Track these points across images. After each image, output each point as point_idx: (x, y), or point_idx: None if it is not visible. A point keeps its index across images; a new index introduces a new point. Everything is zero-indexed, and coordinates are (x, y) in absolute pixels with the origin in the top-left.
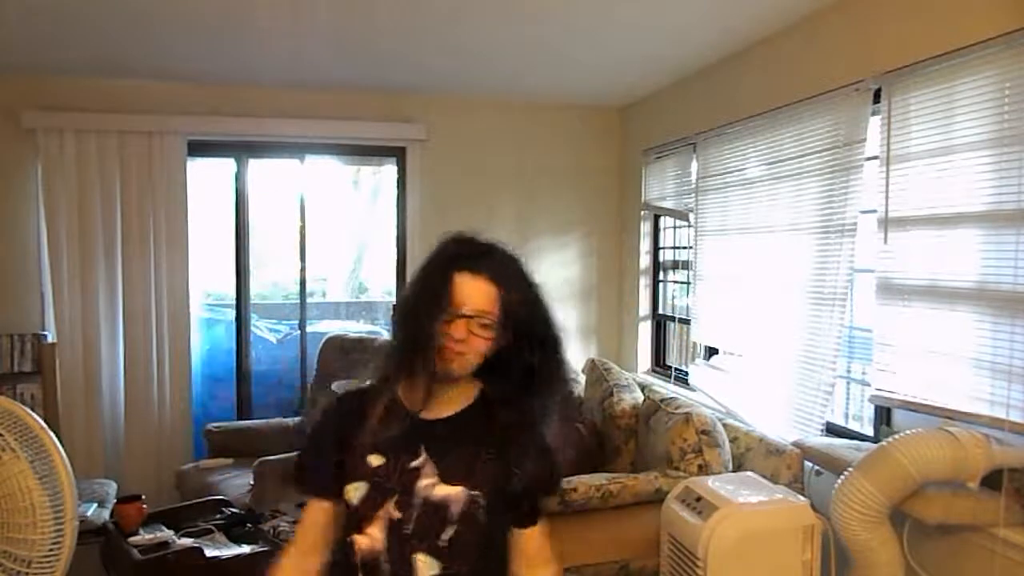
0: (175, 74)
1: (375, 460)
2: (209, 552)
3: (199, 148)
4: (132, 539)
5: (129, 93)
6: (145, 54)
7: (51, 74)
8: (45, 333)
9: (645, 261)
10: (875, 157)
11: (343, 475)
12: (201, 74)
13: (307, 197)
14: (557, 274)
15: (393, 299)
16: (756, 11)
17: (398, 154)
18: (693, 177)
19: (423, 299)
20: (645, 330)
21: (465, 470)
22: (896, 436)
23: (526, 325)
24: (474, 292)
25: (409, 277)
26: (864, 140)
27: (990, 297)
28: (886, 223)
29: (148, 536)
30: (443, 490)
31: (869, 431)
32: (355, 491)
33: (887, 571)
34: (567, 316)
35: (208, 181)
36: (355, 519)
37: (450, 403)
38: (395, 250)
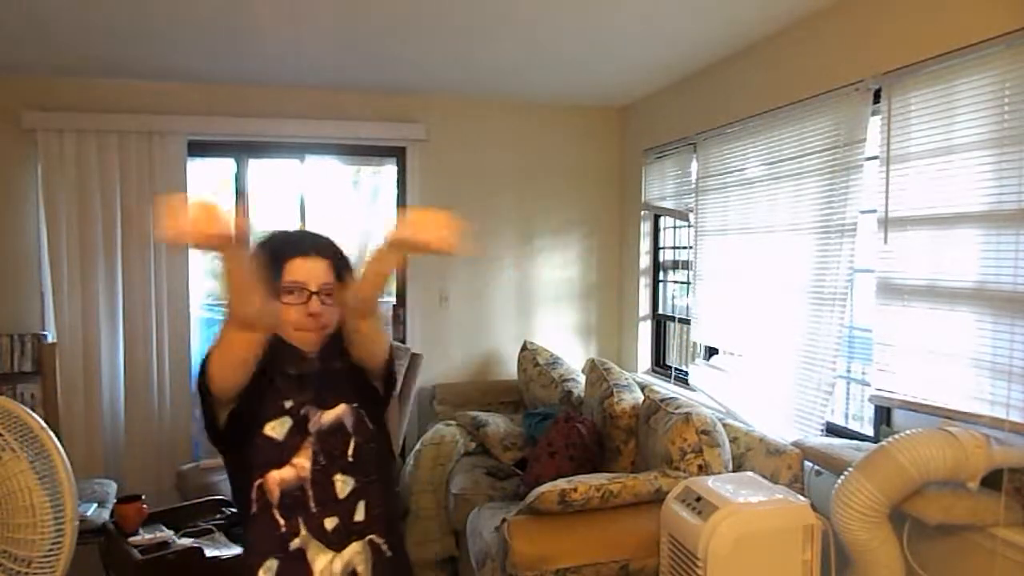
0: (175, 74)
1: (287, 402)
2: (209, 552)
3: (199, 148)
4: (132, 539)
5: (129, 93)
6: (145, 54)
7: (51, 74)
8: (45, 333)
9: (645, 261)
10: (875, 157)
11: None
12: (201, 74)
13: (307, 197)
14: (557, 274)
15: (393, 299)
16: (756, 11)
17: (398, 154)
18: (693, 177)
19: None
20: (645, 330)
21: (337, 395)
22: (896, 436)
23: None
24: (314, 269)
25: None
26: (864, 140)
27: (990, 297)
28: (886, 223)
29: (148, 536)
30: (331, 413)
31: (869, 431)
32: (279, 427)
33: (887, 571)
34: (567, 316)
35: (208, 181)
36: (276, 454)
37: (303, 358)
38: None
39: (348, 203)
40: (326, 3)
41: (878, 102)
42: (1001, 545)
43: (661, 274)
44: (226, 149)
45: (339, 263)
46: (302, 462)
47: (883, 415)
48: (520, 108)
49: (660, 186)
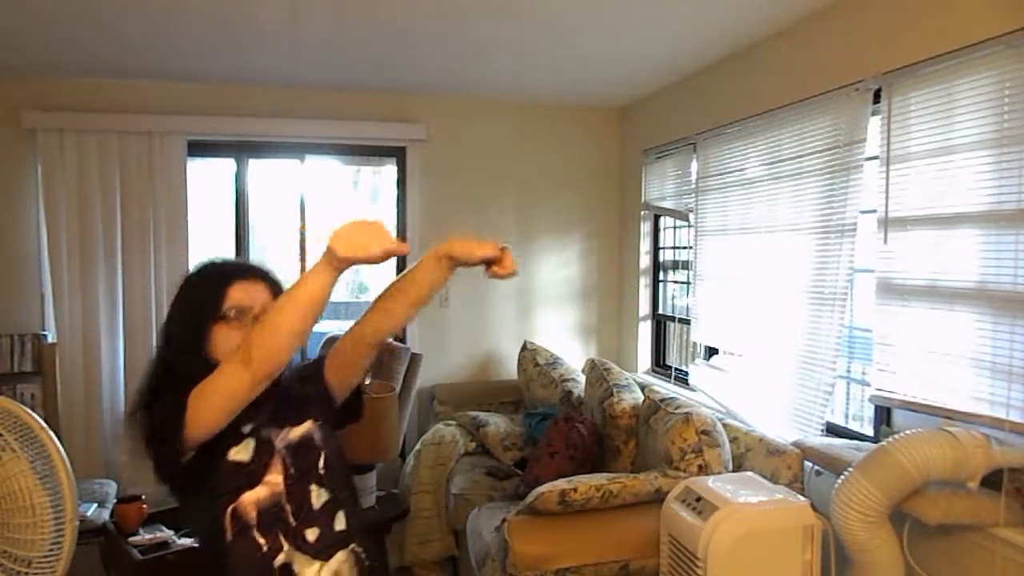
0: (175, 74)
1: (246, 427)
2: None
3: (199, 148)
4: (132, 539)
5: (129, 93)
6: (145, 54)
7: (51, 74)
8: (45, 333)
9: (645, 261)
10: (875, 157)
11: (219, 446)
12: (201, 74)
13: (307, 197)
14: (557, 274)
15: None
16: (756, 11)
17: (398, 154)
18: (693, 177)
19: (210, 312)
20: (645, 330)
21: (300, 413)
22: (896, 436)
23: None
24: (255, 293)
25: (181, 303)
26: (864, 140)
27: (990, 297)
28: (886, 223)
29: (148, 536)
30: (298, 429)
31: (869, 431)
32: (244, 450)
33: (887, 571)
34: (567, 316)
35: (208, 181)
36: (246, 477)
37: None
38: None
39: (348, 203)
40: (326, 3)
41: (878, 102)
42: (1001, 545)
43: (661, 274)
44: (226, 149)
45: (275, 287)
46: (274, 478)
47: (883, 415)
48: (520, 108)
49: (660, 186)
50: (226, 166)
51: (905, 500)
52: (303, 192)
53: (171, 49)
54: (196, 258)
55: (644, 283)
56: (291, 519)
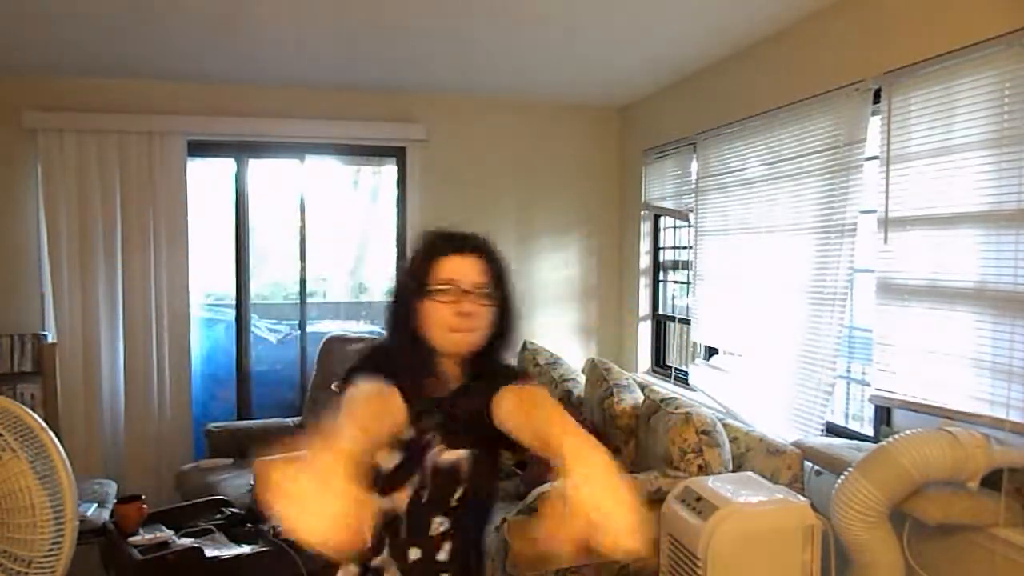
0: (175, 74)
1: (407, 434)
2: (209, 552)
3: (199, 148)
4: (132, 539)
5: (129, 93)
6: (145, 54)
7: (51, 74)
8: (45, 333)
9: (645, 261)
10: (875, 157)
11: None
12: (201, 74)
13: (307, 197)
14: (557, 274)
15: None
16: (756, 11)
17: (398, 154)
18: (693, 177)
19: (418, 286)
20: (645, 330)
21: (466, 436)
22: (896, 436)
23: (504, 291)
24: (467, 268)
25: (397, 279)
26: (864, 140)
27: (990, 297)
28: (886, 223)
29: (148, 536)
30: (451, 455)
31: (869, 431)
32: (388, 458)
33: (887, 571)
34: (567, 316)
35: (208, 181)
36: (378, 482)
37: (447, 381)
38: (395, 250)
39: (348, 203)
40: (326, 3)
41: (878, 102)
42: (1001, 545)
43: (661, 274)
44: (226, 149)
45: (494, 264)
46: (402, 496)
47: (883, 415)
48: (520, 108)
49: (660, 186)
50: (226, 166)
51: (905, 500)
52: (303, 192)
53: (171, 49)
54: (196, 258)
55: (644, 283)
56: (402, 532)
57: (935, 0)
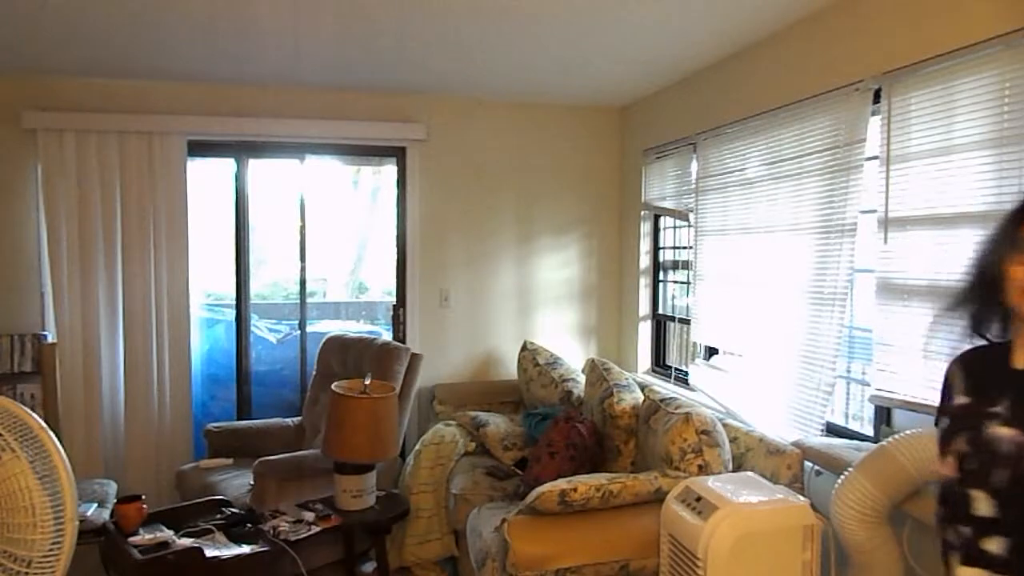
0: (175, 74)
1: (961, 400)
2: (209, 552)
3: (199, 148)
4: (132, 539)
5: (129, 93)
6: (145, 54)
7: (51, 74)
8: (45, 333)
9: (645, 261)
10: (875, 157)
11: None
12: (201, 74)
13: (307, 197)
14: (557, 274)
15: (393, 299)
16: (756, 11)
17: (398, 154)
18: (693, 177)
19: (993, 244)
20: (645, 330)
21: None
22: (896, 436)
23: None
24: None
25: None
26: (864, 140)
27: None
28: (886, 223)
29: (148, 536)
30: (1002, 431)
31: (869, 431)
32: (941, 424)
33: (887, 571)
34: (567, 316)
35: (208, 181)
36: (943, 432)
37: None
38: (395, 250)
39: (348, 203)
40: (326, 3)
41: (878, 102)
42: None
43: (661, 274)
44: (226, 149)
45: None
46: (949, 462)
47: (883, 415)
48: (520, 108)
49: (660, 186)
50: (226, 166)
51: (905, 500)
52: (303, 192)
53: (171, 49)
54: (196, 258)
55: (644, 283)
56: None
57: (935, 0)
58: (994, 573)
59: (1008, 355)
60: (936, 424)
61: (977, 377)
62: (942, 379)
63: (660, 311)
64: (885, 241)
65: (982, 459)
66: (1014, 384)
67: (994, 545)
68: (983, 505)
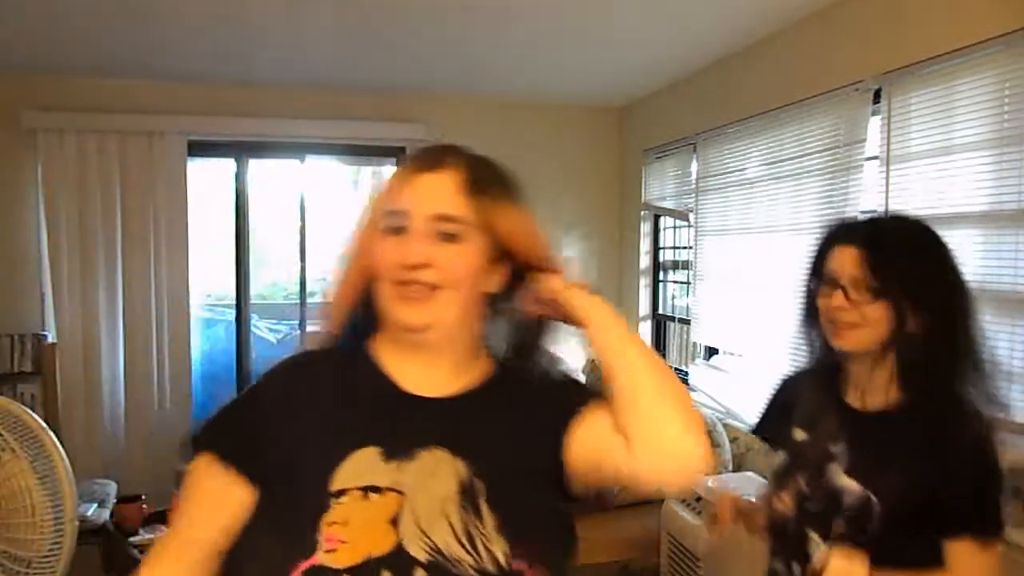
0: (175, 74)
1: (799, 434)
2: None
3: (199, 148)
4: (132, 539)
5: (129, 93)
6: (145, 54)
7: (51, 74)
8: (45, 333)
9: (645, 261)
10: (875, 157)
11: None
12: (201, 74)
13: (307, 197)
14: None
15: None
16: (756, 11)
17: (398, 154)
18: (693, 177)
19: (808, 275)
20: (645, 330)
21: (873, 473)
22: None
23: (914, 290)
24: (844, 259)
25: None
26: (864, 140)
27: (990, 297)
28: None
29: (148, 536)
30: (845, 482)
31: None
32: (779, 459)
33: None
34: None
35: (208, 181)
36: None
37: (877, 394)
38: None
39: (348, 203)
40: (326, 2)
41: (878, 102)
42: (1001, 545)
43: (661, 274)
44: (226, 149)
45: (872, 252)
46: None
47: None
48: (520, 108)
49: (660, 186)
50: (226, 166)
51: None
52: (303, 192)
53: (171, 49)
54: (196, 258)
55: (644, 283)
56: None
57: (935, 0)
58: None
59: (839, 386)
60: (762, 437)
61: (812, 406)
62: (773, 392)
63: (660, 311)
64: None
65: (825, 506)
66: (848, 424)
67: None
68: (816, 546)
